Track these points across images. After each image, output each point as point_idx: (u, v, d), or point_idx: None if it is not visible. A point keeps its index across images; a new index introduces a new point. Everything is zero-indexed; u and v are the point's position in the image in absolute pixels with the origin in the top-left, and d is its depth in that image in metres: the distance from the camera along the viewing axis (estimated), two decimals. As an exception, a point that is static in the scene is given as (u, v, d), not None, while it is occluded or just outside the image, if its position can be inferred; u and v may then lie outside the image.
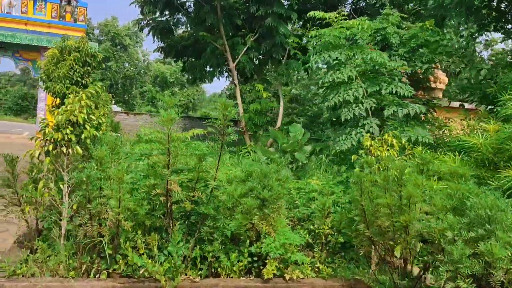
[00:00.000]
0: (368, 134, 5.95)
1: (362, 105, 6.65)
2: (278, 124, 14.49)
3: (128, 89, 46.15)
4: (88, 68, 13.45)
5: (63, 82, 12.76)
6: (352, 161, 5.75)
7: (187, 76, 17.61)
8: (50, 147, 4.04)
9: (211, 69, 15.08)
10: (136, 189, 4.14)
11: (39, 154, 4.05)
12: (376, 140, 5.38)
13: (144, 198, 4.05)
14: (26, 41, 19.31)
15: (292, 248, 4.26)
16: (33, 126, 35.77)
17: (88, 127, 4.11)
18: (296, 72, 15.91)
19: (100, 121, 4.31)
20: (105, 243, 3.89)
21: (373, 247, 4.39)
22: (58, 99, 13.30)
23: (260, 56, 15.56)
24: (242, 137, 15.36)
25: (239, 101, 14.69)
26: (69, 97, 4.27)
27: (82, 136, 4.10)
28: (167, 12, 15.58)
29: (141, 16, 16.01)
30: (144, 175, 4.27)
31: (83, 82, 13.39)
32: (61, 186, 4.12)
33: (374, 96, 6.88)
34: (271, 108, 14.86)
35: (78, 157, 4.21)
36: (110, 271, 4.09)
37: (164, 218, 4.11)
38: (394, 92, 6.79)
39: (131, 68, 46.09)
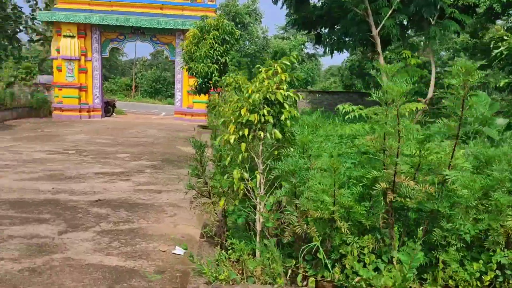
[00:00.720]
0: None
1: None
2: (429, 94, 12.87)
3: (249, 67, 46.54)
4: (227, 45, 13.21)
5: (204, 61, 12.69)
6: None
7: (324, 47, 16.65)
8: (246, 131, 3.38)
9: (350, 38, 13.85)
10: (348, 180, 3.34)
11: (234, 139, 3.42)
12: None
13: (360, 193, 3.22)
14: (162, 25, 19.91)
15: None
16: (167, 106, 38.14)
17: (287, 106, 3.37)
18: (454, 34, 13.93)
19: (296, 98, 3.53)
20: (318, 246, 3.18)
21: None
22: (199, 79, 13.27)
23: (405, 21, 13.89)
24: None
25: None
26: (261, 72, 3.52)
27: (282, 117, 3.38)
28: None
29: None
30: (358, 164, 3.45)
31: (223, 61, 13.19)
32: (258, 176, 3.50)
33: None
34: (421, 77, 13.23)
35: (273, 142, 3.53)
36: (319, 278, 3.40)
37: (389, 218, 3.25)
38: None
39: (251, 46, 46.37)
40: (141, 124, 18.75)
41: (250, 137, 3.43)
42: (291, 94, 3.41)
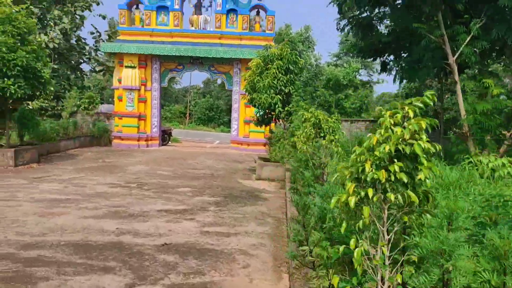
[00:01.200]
0: None
1: None
2: (515, 127, 11.58)
3: (312, 95, 46.08)
4: (291, 75, 12.63)
5: (268, 92, 12.14)
6: None
7: (388, 74, 15.77)
8: (370, 192, 2.65)
9: (423, 66, 12.89)
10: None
11: (354, 202, 2.69)
12: None
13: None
14: (221, 54, 19.78)
15: None
16: (221, 134, 38.18)
17: (425, 162, 2.61)
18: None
19: (434, 150, 2.76)
20: None
21: None
22: (261, 110, 12.72)
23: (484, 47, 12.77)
24: (463, 143, 12.86)
25: (460, 100, 12.23)
26: (384, 116, 2.79)
27: (420, 176, 2.62)
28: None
29: (339, 16, 14.77)
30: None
31: (286, 91, 12.59)
32: (382, 249, 2.74)
33: None
34: (504, 108, 11.99)
35: (402, 206, 2.77)
36: None
37: None
38: None
39: (305, 74, 45.94)
40: (198, 154, 18.46)
41: (374, 199, 2.70)
42: (430, 147, 2.65)
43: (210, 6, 20.93)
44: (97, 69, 23.46)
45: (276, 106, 11.93)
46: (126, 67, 20.02)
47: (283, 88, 12.09)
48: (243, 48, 19.91)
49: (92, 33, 23.46)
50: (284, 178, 12.02)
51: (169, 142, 24.31)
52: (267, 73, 12.16)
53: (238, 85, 20.73)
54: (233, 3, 20.44)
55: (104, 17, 25.98)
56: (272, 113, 12.49)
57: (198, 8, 20.78)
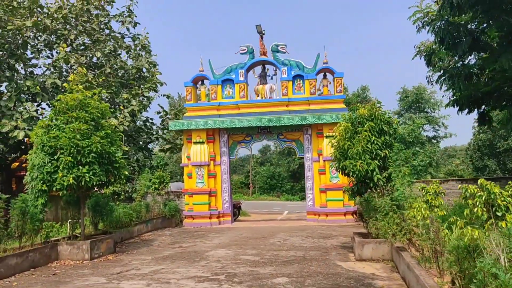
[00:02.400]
0: None
1: None
2: None
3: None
4: (386, 137, 11.06)
5: (362, 157, 10.58)
6: None
7: (488, 126, 13.79)
8: None
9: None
10: None
11: None
12: None
13: None
14: (290, 121, 18.72)
15: None
16: (287, 204, 36.55)
17: None
18: None
19: None
20: None
21: None
22: (355, 179, 11.10)
23: None
24: None
25: None
26: None
27: None
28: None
29: (427, 68, 13.36)
30: None
31: (382, 155, 10.96)
32: None
33: None
34: None
35: None
36: None
37: None
38: None
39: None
40: (276, 230, 16.83)
41: None
42: None
43: (275, 74, 20.31)
44: (165, 147, 23.10)
45: (374, 173, 10.31)
46: (195, 143, 19.38)
47: (379, 151, 10.53)
48: (313, 113, 18.78)
49: (158, 112, 23.41)
50: (390, 258, 10.08)
51: (239, 216, 22.99)
52: (358, 137, 10.70)
53: (309, 151, 19.39)
54: (298, 69, 19.68)
55: (168, 97, 26.15)
56: (367, 181, 10.84)
57: (263, 78, 20.19)
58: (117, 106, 20.20)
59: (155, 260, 11.22)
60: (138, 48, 22.84)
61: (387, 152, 10.61)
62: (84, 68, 16.43)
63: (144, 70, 22.74)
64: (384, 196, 10.57)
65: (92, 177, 11.27)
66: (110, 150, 11.82)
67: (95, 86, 17.18)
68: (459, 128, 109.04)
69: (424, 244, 7.34)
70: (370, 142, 10.58)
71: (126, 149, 19.04)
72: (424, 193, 8.45)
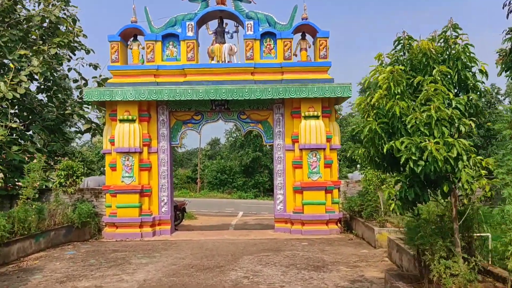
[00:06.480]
0: None
1: None
2: None
3: None
4: (473, 94, 5.87)
5: (435, 133, 5.17)
6: None
7: None
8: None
9: None
10: None
11: None
12: None
13: None
14: (256, 94, 12.99)
15: None
16: (241, 203, 30.83)
17: None
18: None
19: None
20: None
21: None
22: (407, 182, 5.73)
23: None
24: None
25: None
26: None
27: None
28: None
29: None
30: None
31: (465, 129, 5.65)
32: None
33: None
34: None
35: None
36: None
37: None
38: None
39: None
40: (238, 250, 11.10)
41: None
42: None
43: (237, 32, 14.51)
44: (83, 128, 16.66)
45: (460, 163, 4.91)
46: (121, 121, 13.23)
47: (463, 123, 5.17)
48: (287, 84, 13.27)
49: (75, 80, 16.90)
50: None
51: (183, 221, 17.13)
52: (425, 91, 5.28)
53: (281, 137, 13.86)
54: (268, 24, 14.03)
55: (96, 67, 19.46)
56: (441, 179, 5.35)
57: (220, 35, 14.32)
58: (8, 66, 13.66)
59: None
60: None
61: (472, 125, 5.23)
62: None
63: (63, 27, 16.22)
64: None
65: None
66: None
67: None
68: None
69: None
70: (446, 103, 5.19)
71: (13, 125, 12.55)
72: None
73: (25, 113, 15.13)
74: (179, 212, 16.42)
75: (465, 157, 4.88)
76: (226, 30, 14.43)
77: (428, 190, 5.39)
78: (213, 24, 14.63)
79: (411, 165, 4.91)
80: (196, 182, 40.85)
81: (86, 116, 16.10)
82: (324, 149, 13.27)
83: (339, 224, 13.63)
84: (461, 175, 4.87)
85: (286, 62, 13.73)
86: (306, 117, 13.28)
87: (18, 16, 15.50)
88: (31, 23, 15.32)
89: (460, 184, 5.03)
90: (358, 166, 17.97)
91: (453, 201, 5.59)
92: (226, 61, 13.93)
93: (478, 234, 6.21)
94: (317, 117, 13.28)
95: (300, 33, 14.26)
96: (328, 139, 13.43)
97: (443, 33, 5.51)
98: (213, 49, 14.01)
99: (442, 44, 5.52)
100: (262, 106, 13.93)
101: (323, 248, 10.83)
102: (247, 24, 13.85)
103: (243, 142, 38.98)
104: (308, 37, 14.35)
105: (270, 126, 14.06)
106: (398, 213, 5.51)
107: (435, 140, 4.85)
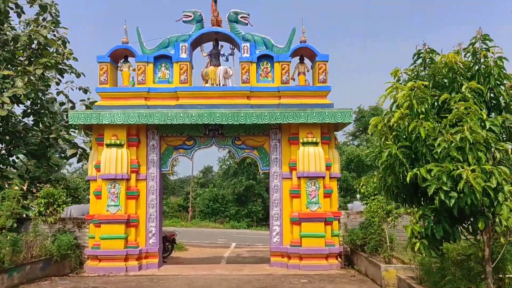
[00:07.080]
0: None
1: None
2: None
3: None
4: (508, 114, 5.06)
5: (469, 159, 4.31)
6: None
7: None
8: None
9: None
10: None
11: None
12: None
13: None
14: (252, 119, 12.24)
15: None
16: (233, 233, 29.61)
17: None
18: None
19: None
20: None
21: None
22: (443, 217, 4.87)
23: None
24: None
25: None
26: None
27: None
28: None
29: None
30: None
31: (500, 155, 4.76)
32: None
33: None
34: None
35: None
36: None
37: None
38: None
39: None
40: (227, 284, 10.11)
41: None
42: None
43: (232, 54, 13.93)
44: (69, 154, 15.73)
45: (500, 195, 4.11)
46: (108, 145, 12.37)
47: (500, 147, 4.40)
48: (284, 109, 12.58)
49: (62, 103, 16.11)
50: None
51: (173, 253, 16.06)
52: (455, 110, 4.54)
53: (278, 164, 13.06)
54: (265, 47, 13.45)
55: (86, 91, 18.62)
56: (474, 214, 4.54)
57: (215, 57, 13.69)
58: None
59: None
60: (41, 18, 15.75)
61: (508, 150, 4.48)
62: None
63: (52, 49, 15.56)
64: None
65: None
66: None
67: None
68: None
69: None
70: (481, 123, 4.44)
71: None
72: None
73: (7, 137, 14.24)
74: (168, 244, 15.38)
75: (506, 188, 4.09)
76: (222, 52, 13.83)
77: (459, 226, 4.56)
78: (208, 46, 14.02)
79: (442, 197, 4.10)
80: (188, 210, 39.59)
81: (72, 140, 15.19)
82: (323, 177, 12.46)
83: (339, 259, 12.66)
84: (501, 209, 4.06)
85: (283, 86, 13.09)
86: (304, 144, 12.54)
87: (5, 36, 14.87)
88: (18, 44, 14.66)
89: (497, 220, 4.22)
90: (358, 196, 17.12)
91: (485, 239, 4.76)
92: (221, 84, 13.25)
93: (510, 276, 5.37)
94: (316, 143, 12.54)
95: (298, 57, 13.69)
96: (328, 167, 12.64)
97: (471, 45, 4.82)
98: (208, 71, 13.36)
99: (470, 58, 4.82)
100: (258, 132, 13.19)
101: (324, 286, 9.86)
102: (243, 46, 13.26)
103: (236, 170, 38.02)
104: (306, 61, 13.78)
105: (267, 153, 13.28)
106: (423, 254, 4.64)
107: (471, 168, 4.06)
